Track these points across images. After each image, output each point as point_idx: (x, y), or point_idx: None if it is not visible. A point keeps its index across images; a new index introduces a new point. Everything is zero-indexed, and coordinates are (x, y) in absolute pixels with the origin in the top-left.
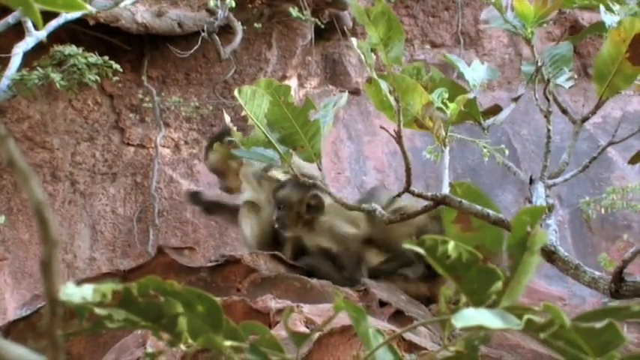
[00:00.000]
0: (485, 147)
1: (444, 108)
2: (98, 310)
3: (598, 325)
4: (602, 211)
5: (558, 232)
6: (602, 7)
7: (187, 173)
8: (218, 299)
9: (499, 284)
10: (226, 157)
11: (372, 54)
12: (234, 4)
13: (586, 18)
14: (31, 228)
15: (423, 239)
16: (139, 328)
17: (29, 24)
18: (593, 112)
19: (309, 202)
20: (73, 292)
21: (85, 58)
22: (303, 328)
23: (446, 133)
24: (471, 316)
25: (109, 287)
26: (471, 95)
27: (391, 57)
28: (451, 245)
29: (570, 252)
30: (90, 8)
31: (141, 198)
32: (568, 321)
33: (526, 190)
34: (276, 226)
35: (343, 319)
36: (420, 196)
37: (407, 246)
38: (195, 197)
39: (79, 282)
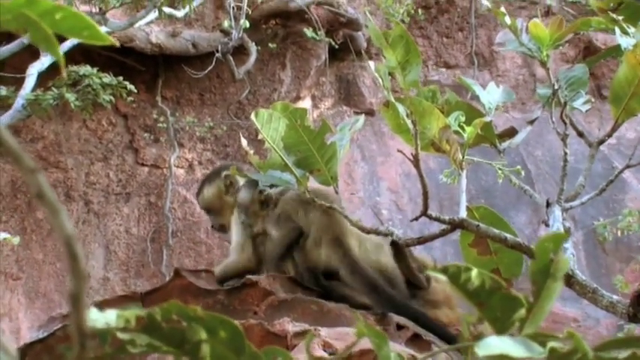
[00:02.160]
0: (500, 169)
1: (460, 131)
2: (121, 335)
3: (621, 355)
4: (619, 233)
5: (575, 254)
6: (617, 30)
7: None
8: (236, 322)
9: (522, 311)
10: (222, 193)
11: (389, 76)
12: (248, 25)
13: (600, 39)
14: (44, 248)
15: (446, 266)
16: (162, 353)
17: None
18: (609, 135)
19: (260, 199)
20: (97, 318)
21: (100, 78)
22: (321, 352)
23: (463, 157)
24: (495, 345)
25: (132, 313)
26: (487, 118)
27: (408, 80)
28: (474, 272)
29: (584, 273)
30: (105, 34)
31: (155, 218)
32: (590, 351)
33: (540, 211)
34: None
35: (361, 342)
36: (437, 219)
37: (430, 273)
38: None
39: (97, 304)
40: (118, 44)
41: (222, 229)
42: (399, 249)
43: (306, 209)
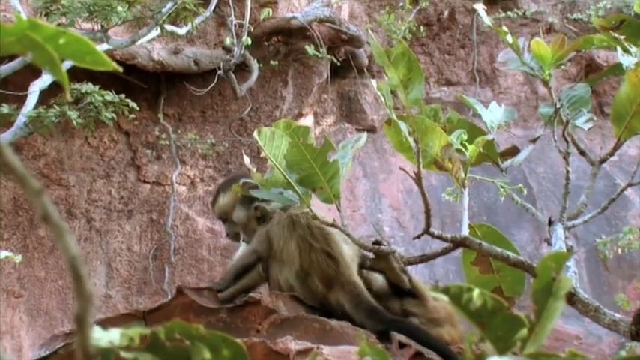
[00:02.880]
0: (502, 187)
1: (462, 149)
2: (124, 354)
3: None
4: (619, 251)
5: (577, 272)
6: (619, 49)
7: (203, 211)
8: (238, 340)
9: (524, 331)
10: (238, 200)
11: (391, 94)
12: (250, 42)
13: (602, 56)
14: (46, 265)
15: (448, 287)
16: None
17: None
18: (611, 154)
19: (256, 215)
20: (101, 336)
21: (102, 95)
22: None
23: (465, 175)
24: None
25: (136, 331)
26: (489, 137)
27: (411, 98)
28: (476, 293)
29: (586, 291)
30: (106, 51)
31: (157, 235)
32: None
33: (542, 228)
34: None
35: None
36: (439, 237)
37: (433, 294)
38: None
39: (99, 322)
40: (120, 70)
41: (237, 237)
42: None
43: (305, 247)
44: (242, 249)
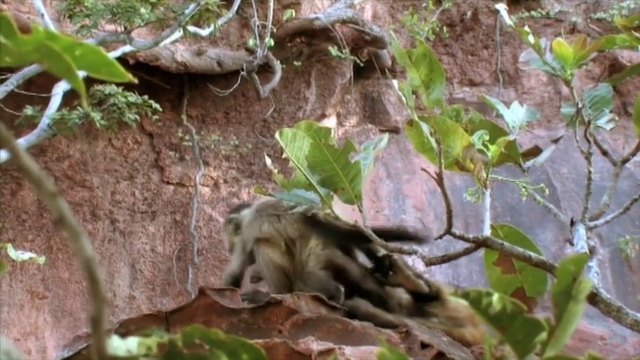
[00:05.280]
0: (524, 187)
1: (484, 150)
2: None
3: None
4: None
5: (599, 272)
6: None
7: (226, 212)
8: (260, 341)
9: (544, 335)
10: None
11: (413, 95)
12: (273, 43)
13: (626, 56)
14: (70, 267)
15: (468, 291)
16: None
17: None
18: (634, 154)
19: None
20: (119, 346)
21: (125, 97)
22: None
23: (487, 175)
24: None
25: (154, 340)
26: (511, 137)
27: (432, 99)
28: (495, 297)
29: (610, 291)
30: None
31: (180, 236)
32: None
33: (566, 229)
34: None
35: None
36: (461, 238)
37: (452, 298)
38: None
39: (122, 323)
40: (136, 81)
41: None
42: (392, 262)
43: (274, 220)
44: (231, 261)
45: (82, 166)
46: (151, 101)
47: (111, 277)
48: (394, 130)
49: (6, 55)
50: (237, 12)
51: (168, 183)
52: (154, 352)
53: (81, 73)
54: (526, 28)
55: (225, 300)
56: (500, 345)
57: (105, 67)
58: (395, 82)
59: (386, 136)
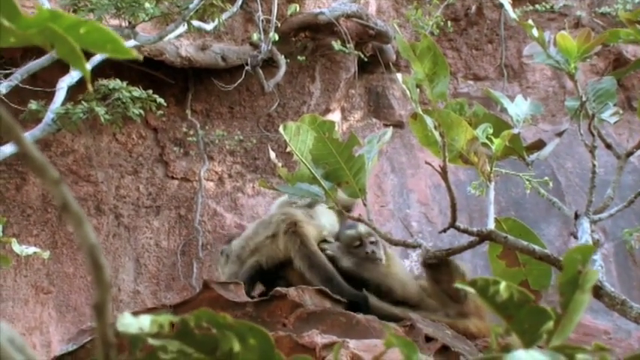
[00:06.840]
0: (528, 181)
1: (488, 143)
2: (152, 341)
3: None
4: None
5: (604, 265)
6: None
7: (231, 206)
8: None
9: (550, 324)
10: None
11: (417, 89)
12: (277, 38)
13: (630, 51)
14: (75, 261)
15: (475, 280)
16: None
17: None
18: (638, 147)
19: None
20: (130, 322)
21: (129, 92)
22: None
23: (491, 169)
24: (523, 357)
25: (166, 318)
26: (515, 130)
27: (436, 92)
28: (502, 285)
29: (615, 285)
30: (134, 51)
31: (185, 231)
32: None
33: (570, 223)
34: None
35: (390, 354)
36: (465, 231)
37: (458, 286)
38: None
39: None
40: (141, 58)
41: None
42: (439, 262)
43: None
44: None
45: (87, 161)
46: (156, 96)
47: (115, 271)
48: (398, 125)
49: (10, 37)
50: (241, 6)
51: (172, 178)
52: (166, 331)
53: (87, 66)
54: (530, 22)
55: (229, 294)
56: (506, 334)
57: (110, 43)
58: (399, 76)
59: (390, 130)
